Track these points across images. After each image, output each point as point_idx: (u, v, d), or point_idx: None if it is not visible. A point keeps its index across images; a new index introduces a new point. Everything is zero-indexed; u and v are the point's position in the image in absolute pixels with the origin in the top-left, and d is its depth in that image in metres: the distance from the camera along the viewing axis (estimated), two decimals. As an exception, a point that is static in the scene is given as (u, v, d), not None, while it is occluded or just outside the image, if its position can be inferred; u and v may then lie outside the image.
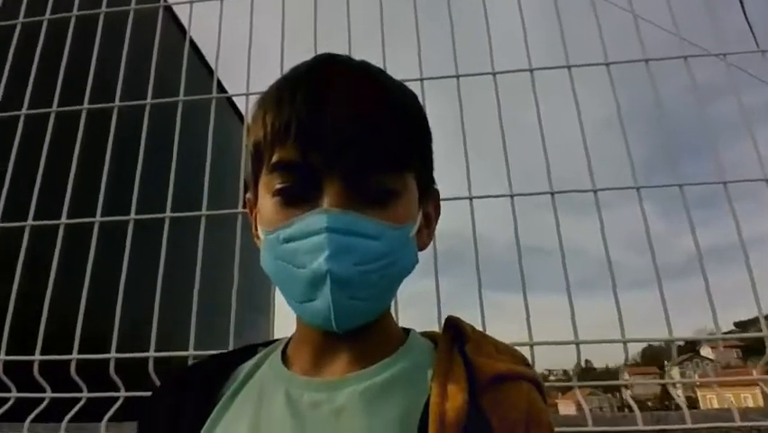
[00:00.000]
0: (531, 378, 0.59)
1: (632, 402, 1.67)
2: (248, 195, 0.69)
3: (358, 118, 0.56)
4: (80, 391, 1.50)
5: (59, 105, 1.76)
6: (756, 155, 1.55)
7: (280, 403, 0.57)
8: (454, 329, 0.64)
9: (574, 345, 1.51)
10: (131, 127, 1.78)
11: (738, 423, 1.43)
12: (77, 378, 1.50)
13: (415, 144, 0.62)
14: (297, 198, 0.56)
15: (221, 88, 1.83)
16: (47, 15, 1.89)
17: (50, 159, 1.72)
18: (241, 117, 9.71)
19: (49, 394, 1.49)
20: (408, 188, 0.60)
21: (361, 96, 0.58)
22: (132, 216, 1.62)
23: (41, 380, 1.51)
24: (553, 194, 1.54)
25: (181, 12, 1.98)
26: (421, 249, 0.64)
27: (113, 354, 1.51)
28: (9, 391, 1.51)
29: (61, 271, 1.63)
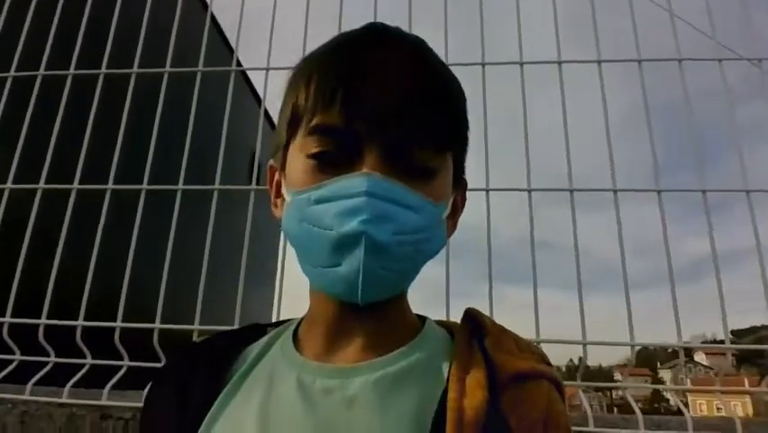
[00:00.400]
0: (551, 377, 0.58)
1: (634, 405, 1.65)
2: (271, 162, 0.66)
3: (406, 91, 0.55)
4: (84, 357, 1.50)
5: (76, 69, 1.73)
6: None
7: (291, 388, 0.56)
8: (473, 322, 0.62)
9: (567, 343, 1.51)
10: (146, 97, 1.76)
11: (741, 433, 1.42)
12: (81, 344, 1.50)
13: (457, 127, 0.61)
14: (334, 162, 0.54)
15: (238, 65, 1.80)
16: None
17: (65, 123, 1.70)
18: (255, 95, 9.67)
19: (53, 359, 1.50)
20: (447, 169, 0.59)
21: (411, 69, 0.57)
22: (145, 185, 1.60)
23: (45, 344, 1.51)
24: (572, 191, 1.52)
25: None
26: None
27: (118, 324, 1.51)
28: (13, 353, 1.52)
29: (70, 237, 1.62)
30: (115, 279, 1.60)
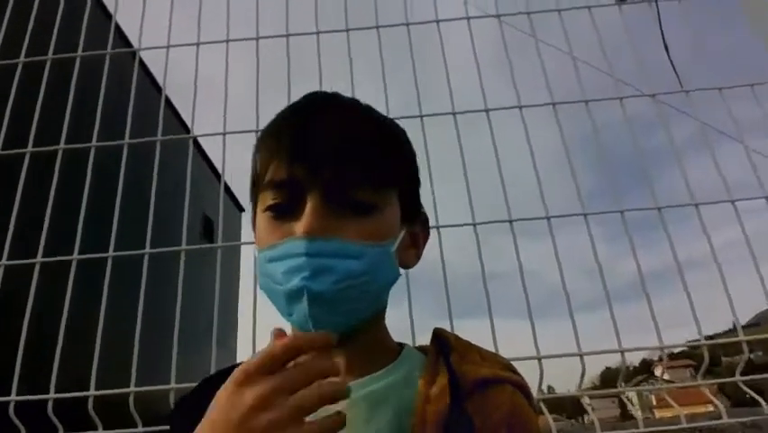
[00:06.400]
0: (516, 382, 0.64)
1: (590, 411, 1.78)
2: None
3: (340, 135, 0.62)
4: (95, 428, 1.47)
5: (34, 146, 1.78)
6: (685, 182, 1.73)
7: None
8: (440, 340, 0.70)
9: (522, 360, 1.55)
10: (101, 167, 1.81)
11: (684, 425, 1.57)
12: (93, 415, 1.49)
13: (395, 162, 0.67)
14: (283, 212, 0.62)
15: (185, 130, 1.91)
16: (22, 58, 1.91)
17: (28, 198, 1.72)
18: (206, 158, 9.69)
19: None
20: (390, 204, 0.64)
21: (346, 118, 0.66)
22: (111, 252, 1.64)
23: (53, 418, 1.48)
24: (511, 222, 1.67)
25: (150, 57, 2.05)
26: (406, 267, 0.70)
27: (91, 392, 1.50)
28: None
29: (36, 308, 1.61)
30: (83, 348, 1.59)
